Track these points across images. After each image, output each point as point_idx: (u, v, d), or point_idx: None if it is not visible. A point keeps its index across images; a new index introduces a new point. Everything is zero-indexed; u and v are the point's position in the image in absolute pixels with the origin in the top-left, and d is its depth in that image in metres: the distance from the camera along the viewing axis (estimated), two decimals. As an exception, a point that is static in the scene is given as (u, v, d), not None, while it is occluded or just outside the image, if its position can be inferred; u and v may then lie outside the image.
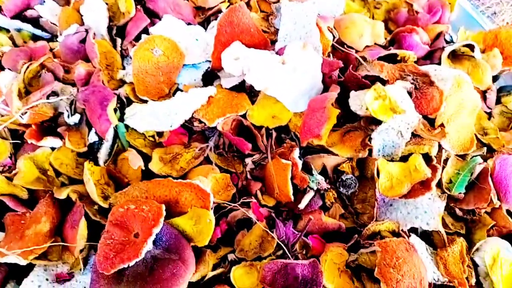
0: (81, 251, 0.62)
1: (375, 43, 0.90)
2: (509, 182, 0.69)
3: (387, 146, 0.69)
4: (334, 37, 0.79)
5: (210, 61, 0.77)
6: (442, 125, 0.73)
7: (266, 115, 0.70)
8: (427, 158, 0.69)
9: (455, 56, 0.90)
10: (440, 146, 0.71)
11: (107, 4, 0.84)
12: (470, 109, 0.77)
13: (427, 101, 0.72)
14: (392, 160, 0.69)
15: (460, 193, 0.70)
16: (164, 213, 0.56)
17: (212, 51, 0.74)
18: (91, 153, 0.70)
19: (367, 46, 0.88)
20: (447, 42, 0.93)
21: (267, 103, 0.71)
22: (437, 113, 0.72)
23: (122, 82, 0.77)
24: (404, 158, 0.70)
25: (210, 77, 0.78)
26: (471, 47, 0.88)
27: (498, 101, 0.90)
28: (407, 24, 0.95)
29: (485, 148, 0.77)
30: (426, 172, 0.65)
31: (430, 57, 0.91)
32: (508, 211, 0.70)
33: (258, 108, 0.71)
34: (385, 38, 0.92)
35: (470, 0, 1.07)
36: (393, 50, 0.83)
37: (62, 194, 0.63)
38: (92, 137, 0.69)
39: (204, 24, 0.89)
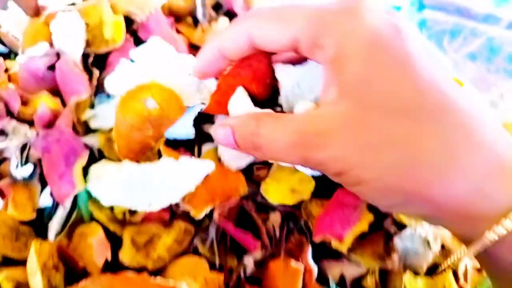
0: None
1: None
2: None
3: (410, 254, 0.57)
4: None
5: (203, 104, 0.58)
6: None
7: (283, 189, 0.55)
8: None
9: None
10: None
11: (87, 24, 0.68)
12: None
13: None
14: (415, 272, 0.57)
15: (479, 319, 0.60)
16: None
17: (212, 92, 0.53)
18: (38, 218, 0.53)
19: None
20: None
21: (281, 175, 0.57)
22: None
23: (86, 126, 0.60)
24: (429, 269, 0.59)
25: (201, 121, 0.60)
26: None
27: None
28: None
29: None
30: (459, 299, 0.54)
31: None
32: None
33: (272, 181, 0.56)
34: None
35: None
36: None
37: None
38: (45, 201, 0.52)
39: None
